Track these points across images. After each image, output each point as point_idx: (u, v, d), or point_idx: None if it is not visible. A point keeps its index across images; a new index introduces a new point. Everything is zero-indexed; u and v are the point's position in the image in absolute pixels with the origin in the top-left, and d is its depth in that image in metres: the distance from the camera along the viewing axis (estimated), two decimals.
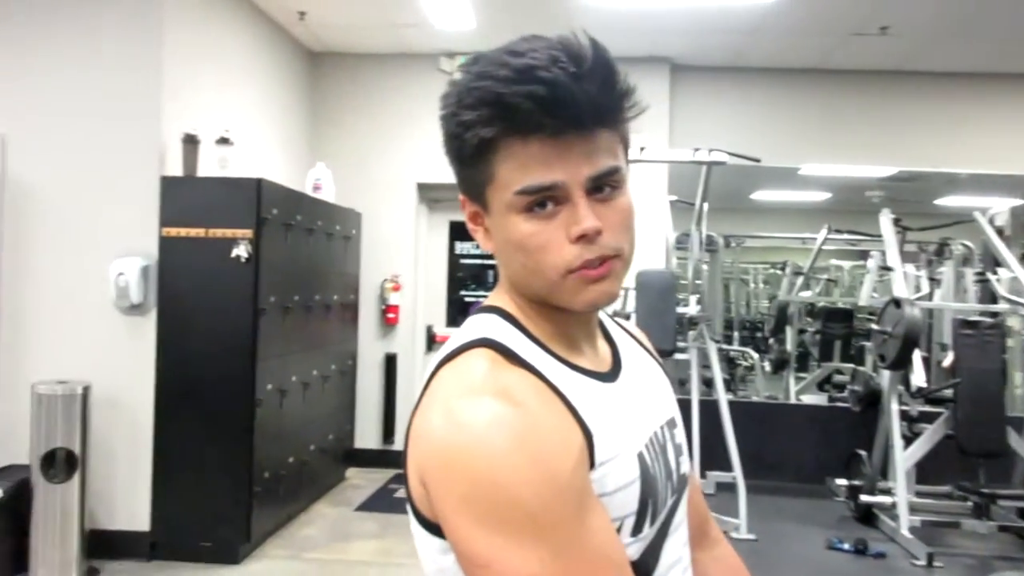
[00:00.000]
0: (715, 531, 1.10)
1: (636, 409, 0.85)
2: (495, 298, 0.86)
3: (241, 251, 3.98)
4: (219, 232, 4.01)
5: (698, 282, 3.40)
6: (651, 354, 1.00)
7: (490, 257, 6.62)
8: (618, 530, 0.76)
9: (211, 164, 4.20)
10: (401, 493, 5.28)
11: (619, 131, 0.79)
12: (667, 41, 5.46)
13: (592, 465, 0.74)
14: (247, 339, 4.02)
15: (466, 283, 6.33)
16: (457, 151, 0.79)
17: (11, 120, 4.07)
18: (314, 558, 4.16)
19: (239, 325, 4.02)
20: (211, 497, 4.02)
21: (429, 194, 6.11)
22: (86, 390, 3.77)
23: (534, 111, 0.72)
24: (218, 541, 4.01)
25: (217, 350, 4.03)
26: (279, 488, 4.36)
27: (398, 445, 5.97)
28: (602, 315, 0.93)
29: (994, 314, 2.99)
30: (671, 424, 0.91)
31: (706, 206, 3.26)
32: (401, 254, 6.01)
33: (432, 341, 6.28)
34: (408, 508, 0.79)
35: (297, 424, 4.66)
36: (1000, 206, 3.48)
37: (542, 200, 0.76)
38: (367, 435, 5.96)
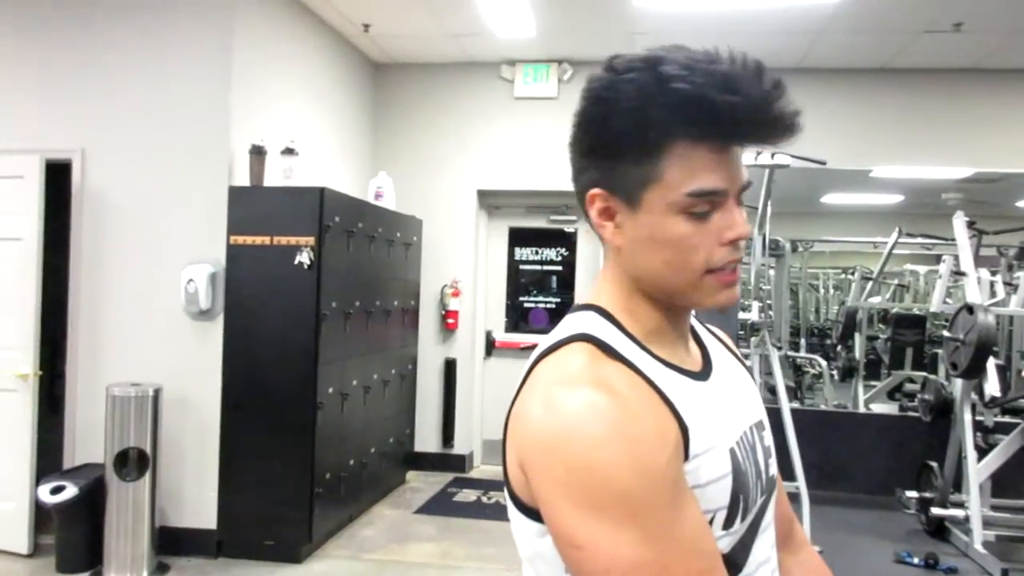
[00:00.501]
0: (800, 534, 1.10)
1: (727, 408, 0.87)
2: (593, 296, 0.89)
3: (304, 258, 4.07)
4: (283, 240, 4.11)
5: (765, 287, 3.34)
6: (737, 358, 1.01)
7: (548, 263, 6.58)
8: (710, 522, 0.78)
9: (277, 173, 4.31)
10: (459, 497, 5.33)
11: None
12: (729, 44, 5.36)
13: (686, 457, 0.76)
14: (309, 344, 4.10)
15: (526, 289, 6.34)
16: (617, 146, 0.80)
17: (89, 135, 4.26)
18: (374, 559, 4.21)
19: (302, 330, 4.11)
20: (275, 497, 4.11)
21: (489, 200, 6.14)
22: (157, 392, 3.91)
23: (737, 121, 0.76)
24: (281, 540, 4.10)
25: (281, 354, 4.12)
26: (340, 489, 4.44)
27: (458, 449, 6.04)
28: (692, 319, 0.95)
29: None
30: (760, 426, 0.93)
31: (769, 209, 3.20)
32: (461, 260, 6.06)
33: (492, 346, 6.31)
34: (506, 494, 0.82)
35: (358, 427, 4.73)
36: None
37: (703, 205, 0.79)
38: (427, 439, 6.02)
